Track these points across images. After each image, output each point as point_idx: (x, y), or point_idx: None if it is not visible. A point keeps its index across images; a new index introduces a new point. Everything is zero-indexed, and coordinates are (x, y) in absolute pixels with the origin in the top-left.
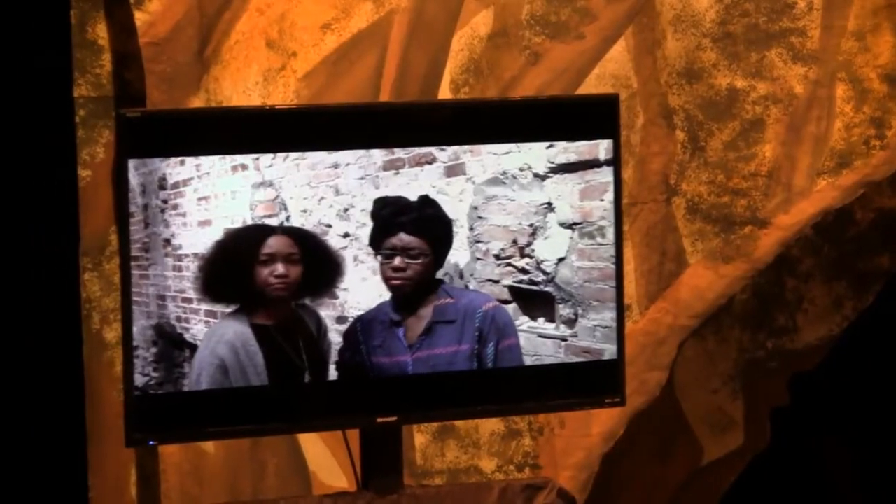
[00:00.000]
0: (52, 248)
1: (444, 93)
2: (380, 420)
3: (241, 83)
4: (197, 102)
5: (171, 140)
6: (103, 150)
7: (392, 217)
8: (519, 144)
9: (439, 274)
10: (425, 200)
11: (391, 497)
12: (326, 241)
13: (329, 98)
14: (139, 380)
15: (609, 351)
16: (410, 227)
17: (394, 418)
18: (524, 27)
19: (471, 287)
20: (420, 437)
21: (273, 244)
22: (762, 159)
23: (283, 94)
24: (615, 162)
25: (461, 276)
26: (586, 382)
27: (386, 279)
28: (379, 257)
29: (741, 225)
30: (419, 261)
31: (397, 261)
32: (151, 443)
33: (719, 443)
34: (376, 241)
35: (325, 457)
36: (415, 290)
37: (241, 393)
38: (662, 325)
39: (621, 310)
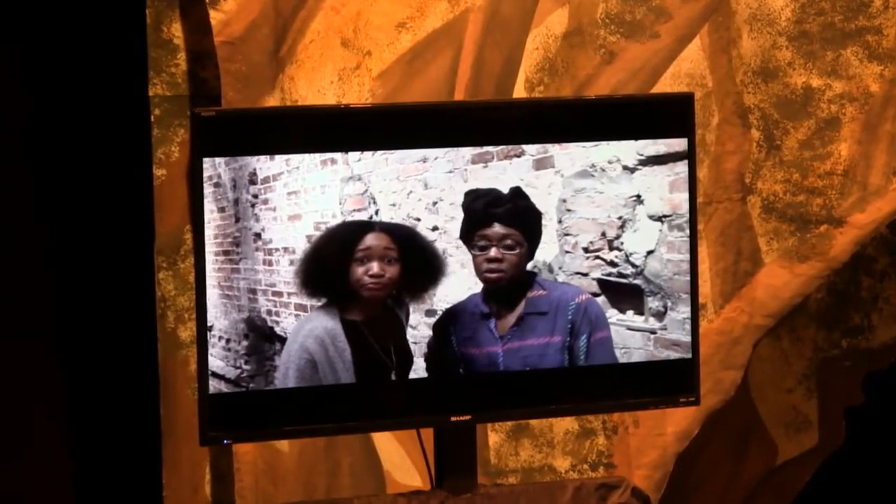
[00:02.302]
0: (127, 248)
1: (519, 91)
2: (453, 419)
3: (316, 82)
4: (272, 102)
5: (246, 139)
6: (178, 150)
7: (485, 208)
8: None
9: (529, 266)
10: (517, 192)
11: (465, 496)
12: (428, 240)
13: (404, 97)
14: (231, 372)
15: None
16: (505, 218)
17: (468, 417)
18: (599, 26)
19: (559, 280)
20: (494, 435)
21: (370, 241)
22: (838, 158)
23: (358, 94)
24: (690, 161)
25: (550, 270)
26: (661, 382)
27: (481, 271)
28: (474, 250)
29: (817, 224)
30: (515, 251)
31: (493, 251)
32: (226, 442)
33: (794, 442)
34: (468, 234)
35: (400, 456)
36: (510, 282)
37: (316, 391)
38: (737, 324)
39: (696, 308)
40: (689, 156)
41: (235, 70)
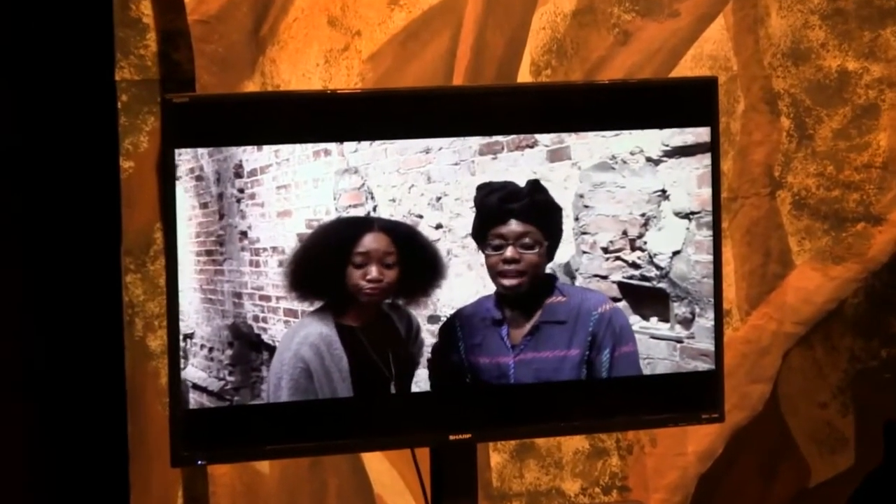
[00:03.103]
0: (91, 248)
1: (524, 75)
2: (452, 437)
3: (301, 65)
4: (251, 87)
5: (222, 128)
6: (148, 139)
7: (500, 204)
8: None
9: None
10: (535, 185)
11: None
12: (428, 240)
13: (397, 82)
14: (214, 384)
15: None
16: (522, 214)
17: (467, 435)
18: (613, 3)
19: (576, 283)
20: (496, 455)
21: (368, 243)
22: (876, 149)
23: (347, 78)
24: (713, 152)
25: (569, 273)
26: (681, 396)
27: (496, 273)
28: (487, 249)
29: (853, 222)
30: (534, 251)
31: (510, 251)
32: (200, 462)
33: (828, 462)
34: (481, 232)
35: (391, 477)
36: (529, 285)
37: (305, 406)
38: (765, 332)
39: (720, 315)
40: (713, 147)
41: (211, 52)
